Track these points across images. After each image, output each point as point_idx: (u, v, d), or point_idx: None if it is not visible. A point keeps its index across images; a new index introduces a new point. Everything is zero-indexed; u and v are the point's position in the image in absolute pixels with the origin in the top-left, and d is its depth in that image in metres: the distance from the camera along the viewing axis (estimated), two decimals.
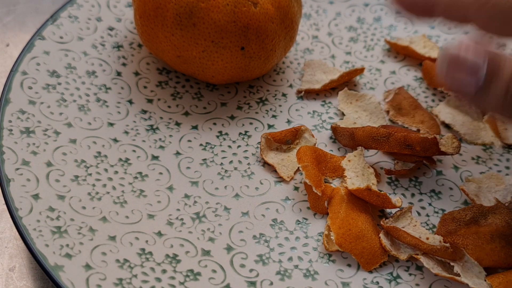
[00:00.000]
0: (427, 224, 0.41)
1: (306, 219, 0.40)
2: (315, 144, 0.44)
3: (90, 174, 0.41)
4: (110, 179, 0.41)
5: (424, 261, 0.37)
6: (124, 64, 0.48)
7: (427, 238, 0.38)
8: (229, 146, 0.44)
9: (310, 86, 0.48)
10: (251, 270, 0.38)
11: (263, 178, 0.42)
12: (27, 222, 0.37)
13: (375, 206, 0.41)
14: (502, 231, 0.38)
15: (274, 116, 0.46)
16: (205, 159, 0.43)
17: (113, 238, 0.38)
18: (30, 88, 0.44)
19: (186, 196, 0.41)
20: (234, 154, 0.44)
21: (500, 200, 0.40)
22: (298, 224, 0.40)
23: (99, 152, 0.42)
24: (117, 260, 0.37)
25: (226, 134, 0.45)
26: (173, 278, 0.37)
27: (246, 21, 0.42)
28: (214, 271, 0.37)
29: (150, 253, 0.38)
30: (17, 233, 0.40)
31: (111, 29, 0.49)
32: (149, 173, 0.42)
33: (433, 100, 0.48)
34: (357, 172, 0.41)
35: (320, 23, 0.53)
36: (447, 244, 0.37)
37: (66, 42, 0.47)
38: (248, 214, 0.40)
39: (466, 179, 0.42)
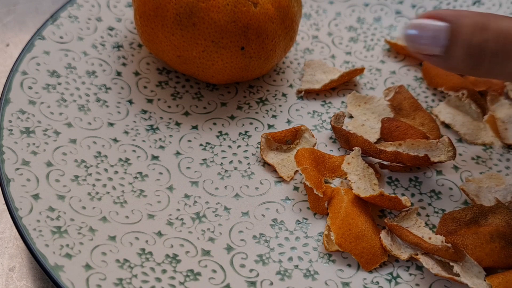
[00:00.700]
0: (427, 224, 0.41)
1: (306, 219, 0.40)
2: (315, 144, 0.44)
3: (90, 174, 0.41)
4: (110, 179, 0.41)
5: (424, 261, 0.37)
6: (124, 64, 0.48)
7: (429, 238, 0.38)
8: (229, 146, 0.44)
9: (310, 86, 0.48)
10: (251, 270, 0.38)
11: (263, 178, 0.42)
12: (27, 222, 0.37)
13: (386, 208, 0.41)
14: (502, 231, 0.38)
15: (274, 116, 0.46)
16: (205, 159, 0.43)
17: (113, 238, 0.38)
18: (30, 88, 0.44)
19: (186, 196, 0.41)
20: (234, 154, 0.44)
21: (500, 200, 0.40)
22: (298, 224, 0.40)
23: (99, 152, 0.42)
24: (117, 260, 0.37)
25: (226, 134, 0.45)
26: (173, 278, 0.37)
27: (246, 21, 0.42)
28: (214, 271, 0.37)
29: (150, 253, 0.38)
30: (17, 233, 0.40)
31: (111, 29, 0.49)
32: (149, 173, 0.42)
33: (433, 100, 0.48)
34: (358, 174, 0.41)
35: (320, 23, 0.53)
36: (449, 244, 0.37)
37: (66, 42, 0.47)
38: (248, 214, 0.40)
39: (466, 179, 0.42)
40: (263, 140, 0.43)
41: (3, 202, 0.39)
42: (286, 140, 0.44)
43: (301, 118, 0.46)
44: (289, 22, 0.44)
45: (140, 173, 0.42)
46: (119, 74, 0.47)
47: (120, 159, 0.42)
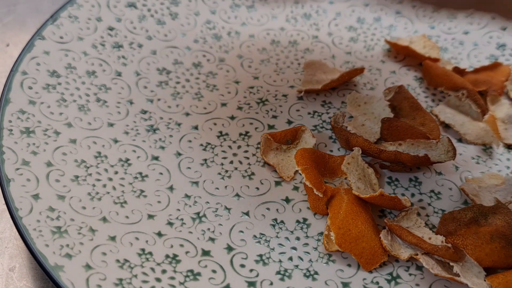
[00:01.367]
0: (427, 224, 0.41)
1: (306, 219, 0.40)
2: (315, 144, 0.44)
3: (90, 174, 0.41)
4: (110, 179, 0.41)
5: (424, 261, 0.37)
6: (124, 64, 0.48)
7: (429, 238, 0.38)
8: (229, 146, 0.44)
9: (310, 86, 0.48)
10: (251, 270, 0.38)
11: (263, 178, 0.42)
12: (27, 222, 0.37)
13: (386, 208, 0.41)
14: (502, 231, 0.38)
15: (274, 116, 0.46)
16: (205, 159, 0.43)
17: (113, 238, 0.38)
18: (30, 88, 0.44)
19: (186, 196, 0.41)
20: (235, 154, 0.44)
21: (500, 200, 0.40)
22: (298, 224, 0.40)
23: (99, 152, 0.42)
24: (117, 260, 0.37)
25: (227, 134, 0.45)
26: (173, 278, 0.37)
27: None
28: (214, 271, 0.37)
29: (150, 253, 0.38)
30: (17, 233, 0.40)
31: (111, 29, 0.49)
32: (149, 173, 0.42)
33: (433, 100, 0.48)
34: (358, 174, 0.41)
35: (320, 23, 0.53)
36: (449, 244, 0.37)
37: (66, 42, 0.47)
38: (248, 214, 0.40)
39: (466, 179, 0.42)
40: (263, 140, 0.43)
41: (3, 202, 0.39)
42: (286, 140, 0.44)
43: (301, 118, 0.46)
44: None
45: (140, 173, 0.42)
46: (119, 74, 0.47)
47: (120, 159, 0.42)
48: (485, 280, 0.37)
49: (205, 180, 0.42)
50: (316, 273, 0.38)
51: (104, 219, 0.39)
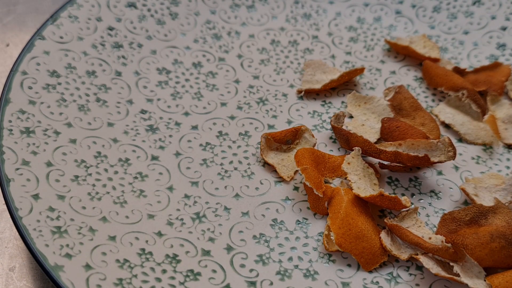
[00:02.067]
0: (427, 224, 0.41)
1: (306, 219, 0.40)
2: (315, 144, 0.44)
3: (90, 174, 0.41)
4: (110, 179, 0.41)
5: (424, 261, 0.37)
6: (124, 64, 0.48)
7: (430, 238, 0.38)
8: (229, 146, 0.44)
9: (310, 86, 0.48)
10: (251, 270, 0.38)
11: (263, 178, 0.42)
12: (27, 222, 0.37)
13: (386, 208, 0.41)
14: (502, 231, 0.38)
15: (274, 116, 0.46)
16: (205, 159, 0.43)
17: (113, 238, 0.38)
18: (30, 88, 0.44)
19: (186, 196, 0.41)
20: (234, 154, 0.44)
21: (500, 200, 0.40)
22: (298, 224, 0.40)
23: (99, 152, 0.42)
24: (117, 260, 0.37)
25: (226, 134, 0.45)
26: (173, 278, 0.37)
27: None
28: (214, 271, 0.37)
29: (150, 253, 0.38)
30: (17, 233, 0.40)
31: (111, 29, 0.49)
32: (149, 173, 0.42)
33: (433, 100, 0.48)
34: (358, 174, 0.41)
35: (320, 23, 0.53)
36: (449, 245, 0.37)
37: (66, 42, 0.47)
38: (248, 214, 0.40)
39: (466, 179, 0.42)
40: (263, 140, 0.43)
41: (3, 202, 0.39)
42: (286, 140, 0.44)
43: (301, 118, 0.46)
44: None
45: (140, 173, 0.42)
46: (119, 74, 0.47)
47: (120, 159, 0.42)
48: (485, 280, 0.37)
49: (205, 180, 0.42)
50: (316, 273, 0.38)
51: (104, 219, 0.39)
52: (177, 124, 0.45)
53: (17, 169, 0.39)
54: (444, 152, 0.42)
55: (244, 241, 0.39)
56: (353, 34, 0.52)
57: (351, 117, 0.46)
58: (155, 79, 0.47)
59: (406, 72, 0.50)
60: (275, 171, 0.43)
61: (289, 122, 0.46)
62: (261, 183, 0.42)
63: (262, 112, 0.46)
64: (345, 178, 0.42)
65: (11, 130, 0.41)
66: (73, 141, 0.42)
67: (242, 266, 0.38)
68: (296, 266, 0.38)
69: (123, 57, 0.48)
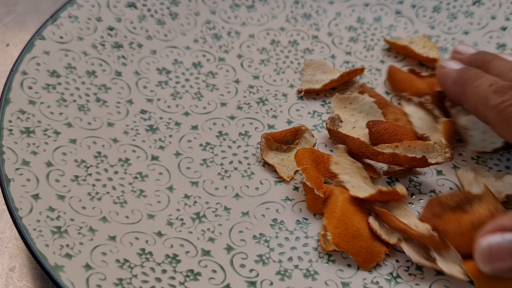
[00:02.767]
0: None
1: (306, 219, 0.40)
2: (315, 144, 0.44)
3: (90, 174, 0.41)
4: (110, 179, 0.41)
5: (405, 249, 0.37)
6: (124, 64, 0.48)
7: (416, 226, 0.38)
8: (229, 146, 0.44)
9: (310, 86, 0.48)
10: (251, 270, 0.38)
11: (263, 178, 0.42)
12: (27, 222, 0.37)
13: (385, 201, 0.41)
14: (483, 220, 0.38)
15: (274, 116, 0.46)
16: (205, 159, 0.43)
17: (113, 238, 0.38)
18: (30, 88, 0.44)
19: (186, 196, 0.41)
20: (234, 154, 0.44)
21: (488, 187, 0.40)
22: (298, 224, 0.40)
23: (99, 152, 0.42)
24: (117, 260, 0.37)
25: (226, 134, 0.45)
26: (173, 278, 0.37)
27: None
28: (214, 271, 0.37)
29: (150, 253, 0.38)
30: (17, 233, 0.40)
31: (111, 29, 0.49)
32: (149, 173, 0.42)
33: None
34: (348, 172, 0.41)
35: (320, 23, 0.53)
36: (435, 233, 0.37)
37: (66, 42, 0.47)
38: (248, 214, 0.40)
39: (473, 169, 0.42)
40: (263, 140, 0.43)
41: (3, 202, 0.39)
42: (286, 140, 0.44)
43: (301, 118, 0.46)
44: None
45: (140, 173, 0.42)
46: (119, 74, 0.47)
47: (120, 159, 0.42)
48: (460, 266, 0.37)
49: (205, 180, 0.42)
50: (316, 273, 0.38)
51: (104, 219, 0.39)
52: (177, 124, 0.45)
53: (17, 169, 0.39)
54: (441, 153, 0.42)
55: (244, 241, 0.39)
56: (353, 34, 0.52)
57: (340, 121, 0.46)
58: (155, 79, 0.47)
59: None
60: (275, 171, 0.43)
61: (289, 122, 0.46)
62: (261, 183, 0.42)
63: (262, 112, 0.46)
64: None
65: (11, 130, 0.41)
66: (73, 141, 0.42)
67: (242, 266, 0.38)
68: (296, 266, 0.38)
69: (123, 57, 0.48)
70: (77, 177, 0.40)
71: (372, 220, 0.39)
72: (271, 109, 0.46)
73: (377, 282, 0.38)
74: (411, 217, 0.40)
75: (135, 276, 0.36)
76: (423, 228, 0.38)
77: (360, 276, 0.38)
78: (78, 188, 0.40)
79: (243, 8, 0.53)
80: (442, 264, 0.37)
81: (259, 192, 0.42)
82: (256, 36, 0.51)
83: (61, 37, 0.47)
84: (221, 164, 0.43)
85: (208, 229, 0.39)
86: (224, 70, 0.49)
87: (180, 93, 0.47)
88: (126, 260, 0.37)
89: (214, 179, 0.42)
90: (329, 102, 0.47)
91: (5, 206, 0.43)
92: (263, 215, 0.40)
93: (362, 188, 0.40)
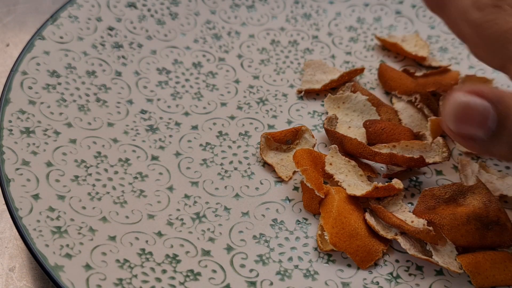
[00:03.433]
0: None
1: (306, 219, 0.40)
2: (315, 144, 0.44)
3: (90, 174, 0.41)
4: (110, 179, 0.41)
5: (402, 242, 0.38)
6: (124, 64, 0.48)
7: (412, 222, 0.38)
8: (229, 146, 0.44)
9: (310, 86, 0.48)
10: (251, 270, 0.38)
11: (263, 178, 0.42)
12: (27, 222, 0.37)
13: (382, 197, 0.41)
14: (478, 213, 0.38)
15: (274, 116, 0.46)
16: (205, 159, 0.43)
17: (113, 238, 0.38)
18: (30, 88, 0.44)
19: (186, 196, 0.41)
20: (234, 154, 0.44)
21: (481, 180, 0.40)
22: (298, 224, 0.40)
23: (99, 152, 0.42)
24: (117, 260, 0.37)
25: (226, 134, 0.45)
26: (173, 278, 0.37)
27: None
28: (214, 271, 0.37)
29: (150, 253, 0.38)
30: (17, 233, 0.40)
31: (111, 29, 0.49)
32: (149, 173, 0.42)
33: None
34: (343, 171, 0.41)
35: (320, 23, 0.53)
36: (431, 228, 0.37)
37: (66, 42, 0.47)
38: (248, 214, 0.40)
39: (481, 164, 0.42)
40: (263, 140, 0.43)
41: (3, 202, 0.39)
42: (286, 140, 0.44)
43: (301, 118, 0.46)
44: None
45: (140, 173, 0.42)
46: (119, 74, 0.47)
47: (120, 159, 0.42)
48: (455, 259, 0.37)
49: (205, 180, 0.42)
50: (316, 273, 0.38)
51: (104, 219, 0.39)
52: (177, 124, 0.45)
53: (17, 169, 0.39)
54: (439, 153, 0.42)
55: (244, 241, 0.39)
56: (353, 34, 0.52)
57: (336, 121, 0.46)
58: (155, 79, 0.47)
59: None
60: (275, 171, 0.43)
61: (289, 122, 0.46)
62: (261, 183, 0.42)
63: (262, 112, 0.46)
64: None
65: (11, 130, 0.41)
66: (73, 141, 0.42)
67: (242, 266, 0.38)
68: (296, 266, 0.38)
69: (123, 57, 0.48)
70: (77, 177, 0.40)
71: (368, 216, 0.39)
72: (271, 109, 0.46)
73: (377, 282, 0.38)
74: (407, 212, 0.40)
75: (135, 276, 0.36)
76: (419, 223, 0.38)
77: (360, 276, 0.38)
78: (78, 188, 0.40)
79: (243, 8, 0.53)
80: (438, 258, 0.37)
81: (259, 192, 0.42)
82: (256, 36, 0.51)
83: (61, 37, 0.47)
84: (221, 164, 0.43)
85: (208, 229, 0.39)
86: (224, 70, 0.49)
87: (180, 93, 0.47)
88: (126, 260, 0.37)
89: (214, 179, 0.42)
90: None
91: (5, 206, 0.43)
92: (263, 215, 0.40)
93: (358, 186, 0.40)
